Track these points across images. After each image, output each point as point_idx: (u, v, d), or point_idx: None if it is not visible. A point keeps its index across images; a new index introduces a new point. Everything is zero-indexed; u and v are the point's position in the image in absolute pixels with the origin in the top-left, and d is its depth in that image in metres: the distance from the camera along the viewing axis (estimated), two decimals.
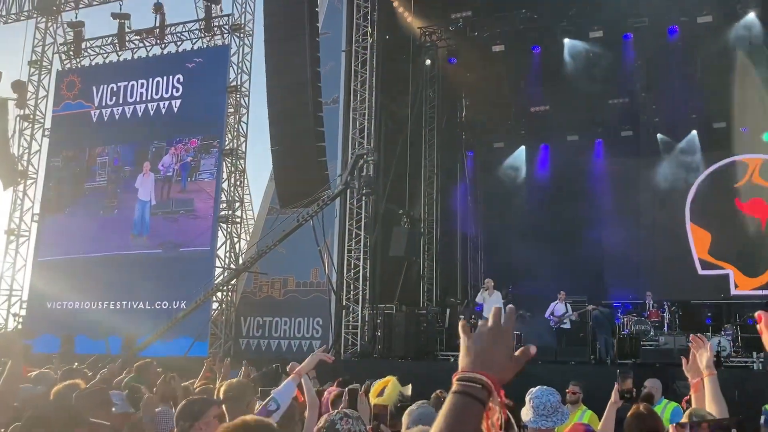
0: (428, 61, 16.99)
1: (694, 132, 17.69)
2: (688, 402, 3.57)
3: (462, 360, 1.51)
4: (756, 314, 1.08)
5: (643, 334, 13.88)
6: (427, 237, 17.67)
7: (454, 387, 1.47)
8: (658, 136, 17.94)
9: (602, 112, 18.28)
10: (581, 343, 13.73)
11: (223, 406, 3.65)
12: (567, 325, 14.20)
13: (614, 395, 4.36)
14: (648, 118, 17.84)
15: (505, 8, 16.73)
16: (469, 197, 19.52)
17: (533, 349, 1.52)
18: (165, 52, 19.10)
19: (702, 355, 3.19)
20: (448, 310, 16.27)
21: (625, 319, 14.58)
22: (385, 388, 4.05)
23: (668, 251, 17.61)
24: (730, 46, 16.04)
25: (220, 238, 17.42)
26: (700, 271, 17.57)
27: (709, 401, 3.13)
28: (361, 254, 14.91)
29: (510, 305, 1.62)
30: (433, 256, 17.71)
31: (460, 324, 1.59)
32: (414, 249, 16.52)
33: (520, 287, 16.25)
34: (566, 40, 16.30)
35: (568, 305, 14.32)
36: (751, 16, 15.33)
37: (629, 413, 3.78)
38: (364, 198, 14.95)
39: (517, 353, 1.50)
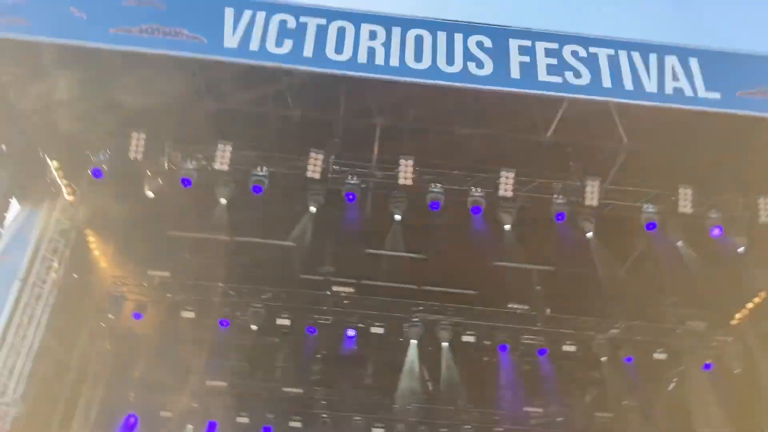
0: (111, 315, 16.10)
1: None
2: None
3: None
4: None
5: None
6: None
7: None
8: None
9: (275, 399, 18.53)
10: None
11: None
12: None
13: None
14: (317, 413, 18.38)
15: (204, 277, 16.98)
16: None
17: None
18: None
19: None
20: None
21: None
22: None
23: None
24: None
25: None
26: None
27: None
28: None
29: None
30: None
31: None
32: None
33: None
34: (253, 326, 16.67)
35: None
36: None
37: None
38: None
39: None
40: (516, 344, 17.65)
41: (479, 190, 14.05)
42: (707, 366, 16.83)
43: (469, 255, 16.63)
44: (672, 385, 19.45)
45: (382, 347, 18.65)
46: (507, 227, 14.32)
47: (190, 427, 18.45)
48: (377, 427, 18.56)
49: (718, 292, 16.66)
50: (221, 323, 16.80)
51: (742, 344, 16.78)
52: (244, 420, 18.06)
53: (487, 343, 17.70)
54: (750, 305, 16.95)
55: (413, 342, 17.15)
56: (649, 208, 14.00)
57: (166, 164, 13.79)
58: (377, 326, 17.21)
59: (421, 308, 17.38)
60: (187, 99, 13.74)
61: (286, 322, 16.90)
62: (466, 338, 17.16)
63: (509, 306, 17.50)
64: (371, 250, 16.78)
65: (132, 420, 18.01)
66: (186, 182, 13.66)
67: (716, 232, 13.90)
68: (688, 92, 12.87)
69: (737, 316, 17.37)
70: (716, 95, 12.89)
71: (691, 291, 16.83)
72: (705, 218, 13.96)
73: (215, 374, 18.52)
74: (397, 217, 14.22)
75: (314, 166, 13.70)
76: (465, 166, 14.41)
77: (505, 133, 14.09)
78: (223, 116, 13.91)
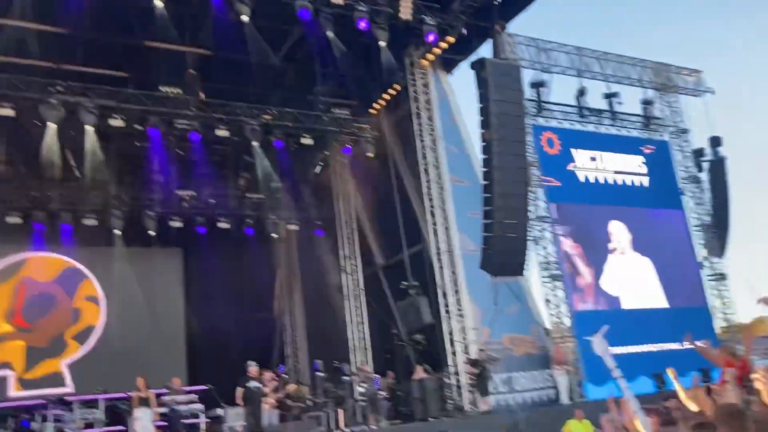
0: None
1: None
2: None
3: None
4: None
5: None
6: None
7: None
8: None
9: None
10: None
11: None
12: None
13: None
14: None
15: None
16: None
17: None
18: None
19: None
20: None
21: None
22: None
23: None
24: None
25: None
26: None
27: None
28: None
29: None
30: None
31: None
32: None
33: None
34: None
35: None
36: None
37: None
38: None
39: None
40: (169, 129, 17.12)
41: None
42: (347, 149, 18.56)
43: (117, 31, 15.18)
44: (318, 168, 21.24)
45: (14, 131, 16.59)
46: (159, 3, 13.16)
47: None
48: (12, 216, 17.03)
49: (361, 83, 18.03)
50: None
51: (376, 131, 18.74)
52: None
53: (138, 127, 16.84)
54: (386, 96, 18.80)
55: (52, 126, 15.46)
56: None
57: None
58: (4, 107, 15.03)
59: (60, 89, 15.54)
60: None
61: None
62: (113, 122, 16.06)
63: (161, 89, 16.66)
64: None
65: None
66: None
67: (363, 24, 14.61)
68: None
69: (375, 105, 19.18)
70: None
71: (338, 81, 17.90)
72: (354, 11, 14.50)
73: None
74: None
75: None
76: None
77: None
78: None
